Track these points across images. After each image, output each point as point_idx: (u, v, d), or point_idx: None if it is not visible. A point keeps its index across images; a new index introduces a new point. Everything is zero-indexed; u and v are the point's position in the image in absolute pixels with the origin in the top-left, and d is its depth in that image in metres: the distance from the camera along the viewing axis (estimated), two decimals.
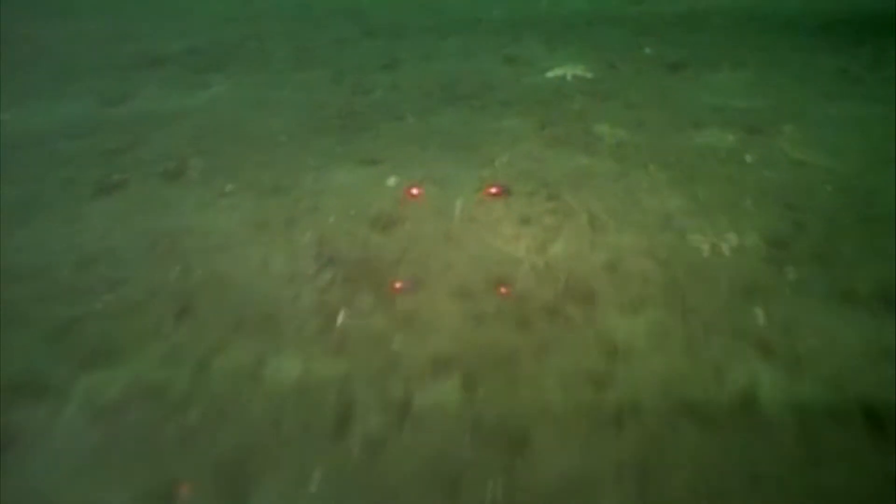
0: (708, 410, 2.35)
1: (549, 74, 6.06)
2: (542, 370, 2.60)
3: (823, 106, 5.01)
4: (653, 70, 6.07)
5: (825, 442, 2.19)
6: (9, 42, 7.63)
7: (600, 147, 4.53)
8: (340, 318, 2.98)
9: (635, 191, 3.92)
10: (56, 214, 3.88)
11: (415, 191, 4.29)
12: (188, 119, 5.28)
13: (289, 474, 2.18)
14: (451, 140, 4.74)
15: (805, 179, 3.89)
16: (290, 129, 5.06)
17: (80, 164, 4.51)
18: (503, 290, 3.09)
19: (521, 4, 8.87)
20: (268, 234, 3.65)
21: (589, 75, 5.98)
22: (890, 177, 3.89)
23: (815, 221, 3.43)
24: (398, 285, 3.16)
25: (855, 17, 7.38)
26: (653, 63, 6.26)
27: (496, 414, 2.40)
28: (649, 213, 3.67)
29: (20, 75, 6.50)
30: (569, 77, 5.95)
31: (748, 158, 4.22)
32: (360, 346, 2.78)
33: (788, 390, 2.42)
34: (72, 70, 6.57)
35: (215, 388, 2.57)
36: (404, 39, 7.58)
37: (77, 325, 2.92)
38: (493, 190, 3.99)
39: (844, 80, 5.54)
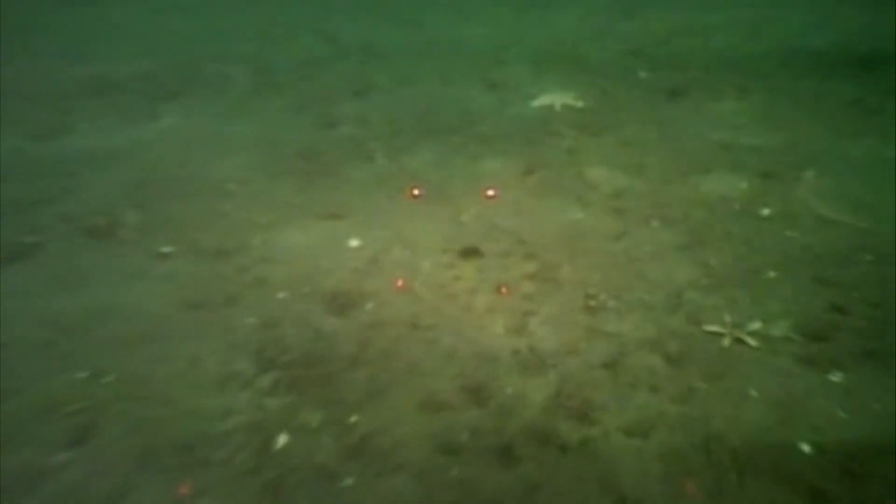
0: None
1: (536, 103, 5.49)
2: None
3: (843, 145, 4.47)
4: (649, 98, 5.52)
5: None
6: None
7: (595, 197, 3.96)
8: (280, 442, 2.39)
9: (637, 257, 3.36)
10: None
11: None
12: (129, 160, 4.67)
13: None
14: (424, 187, 4.14)
15: (837, 244, 3.33)
16: (242, 173, 4.45)
17: None
18: (481, 400, 2.51)
19: (504, 23, 8.30)
20: (203, 318, 3.05)
21: (579, 104, 5.42)
22: None
23: (859, 304, 2.87)
24: (352, 396, 2.57)
25: (863, 41, 6.86)
26: (649, 89, 5.71)
27: None
28: (655, 288, 3.10)
29: None
30: (557, 107, 5.38)
31: (765, 212, 3.66)
32: (300, 491, 2.19)
33: None
34: (3, 96, 5.91)
35: None
36: (378, 61, 6.98)
37: None
38: (471, 253, 3.41)
39: (861, 112, 5.00)
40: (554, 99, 5.49)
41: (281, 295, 3.19)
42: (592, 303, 3.02)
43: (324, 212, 3.95)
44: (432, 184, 4.17)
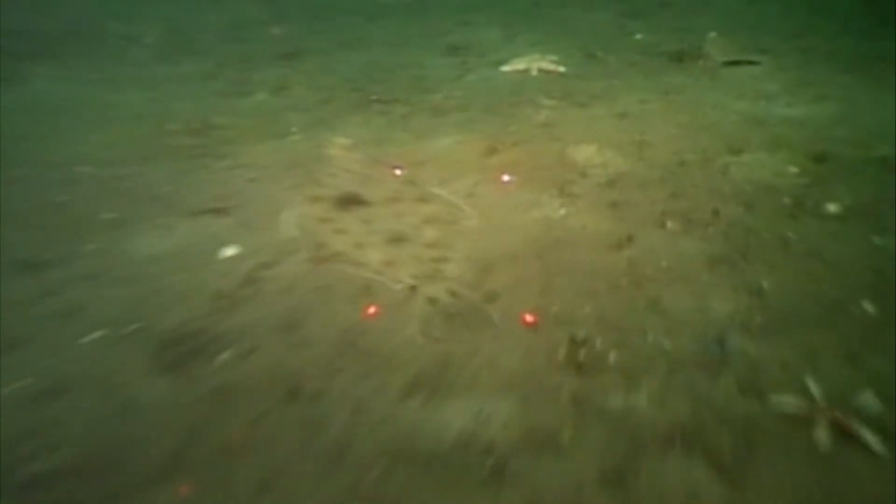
0: None
1: (506, 68, 4.32)
2: None
3: None
4: (649, 63, 4.38)
5: None
6: None
7: (582, 186, 2.81)
8: None
9: (648, 277, 2.21)
10: None
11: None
12: None
13: None
14: (347, 174, 2.97)
15: None
16: (104, 153, 3.26)
17: None
18: None
19: None
20: None
21: (561, 69, 4.26)
22: None
23: None
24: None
25: None
26: (648, 53, 4.57)
27: None
28: (679, 329, 1.96)
29: None
30: (533, 71, 4.22)
31: (832, 209, 2.53)
32: None
33: None
34: None
35: None
36: (320, 22, 5.79)
37: None
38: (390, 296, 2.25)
39: None
40: (530, 63, 4.32)
41: (90, 337, 2.01)
42: (581, 355, 1.86)
43: (200, 205, 2.77)
44: (356, 170, 2.98)
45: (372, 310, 2.11)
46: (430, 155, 3.13)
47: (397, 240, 2.44)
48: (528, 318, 2.04)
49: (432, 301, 2.13)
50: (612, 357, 1.87)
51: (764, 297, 2.06)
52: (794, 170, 2.81)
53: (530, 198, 2.73)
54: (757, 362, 1.81)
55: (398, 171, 2.96)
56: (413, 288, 2.18)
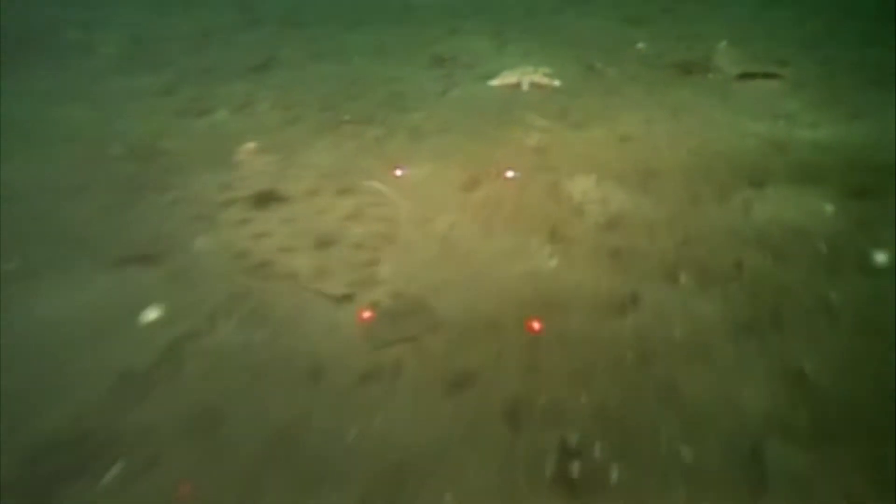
0: None
1: (495, 82, 3.89)
2: None
3: None
4: (653, 75, 3.94)
5: None
6: None
7: (577, 229, 2.38)
8: None
9: (657, 353, 1.78)
10: None
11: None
12: None
13: None
14: (302, 212, 2.54)
15: None
16: (24, 181, 2.83)
17: None
18: None
19: None
20: None
21: (556, 83, 3.83)
22: None
23: None
24: None
25: None
26: (651, 64, 4.14)
27: None
28: (703, 431, 1.52)
29: None
30: (525, 86, 3.79)
31: (882, 259, 2.10)
32: None
33: None
34: None
35: None
36: (295, 30, 5.36)
37: None
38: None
39: None
40: (521, 76, 3.89)
41: None
42: (575, 470, 1.43)
43: (127, 251, 2.34)
44: (310, 212, 2.55)
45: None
46: (403, 188, 2.70)
47: (356, 281, 2.03)
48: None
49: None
50: (615, 473, 1.44)
51: (808, 386, 1.63)
52: (828, 208, 2.38)
53: (516, 243, 2.30)
54: (810, 485, 1.38)
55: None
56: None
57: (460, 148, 3.06)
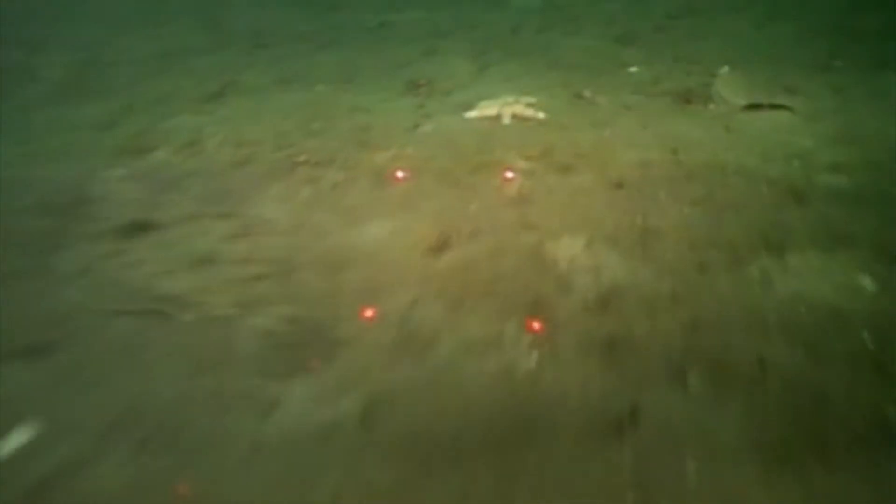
0: None
1: (472, 114, 3.49)
2: None
3: None
4: (648, 104, 3.56)
5: None
6: None
7: (564, 309, 1.97)
8: None
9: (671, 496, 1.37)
10: None
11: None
12: None
13: None
14: (224, 293, 2.13)
15: None
16: None
17: None
18: None
19: (450, 4, 6.30)
20: None
21: (540, 115, 3.44)
22: None
23: None
24: None
25: None
26: (646, 90, 3.75)
27: None
28: None
29: None
30: (506, 118, 3.40)
31: None
32: None
33: None
34: None
35: None
36: (264, 50, 4.96)
37: None
38: None
39: None
40: (502, 107, 3.50)
41: None
42: None
43: (16, 341, 1.92)
44: (245, 273, 2.14)
45: None
46: (358, 251, 2.29)
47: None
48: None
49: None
50: None
51: None
52: (867, 282, 1.98)
53: (489, 330, 1.89)
54: None
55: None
56: None
57: (430, 196, 2.66)
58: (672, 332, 1.85)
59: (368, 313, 1.99)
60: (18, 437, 1.59)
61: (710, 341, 1.81)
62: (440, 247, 2.30)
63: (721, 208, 2.45)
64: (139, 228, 2.50)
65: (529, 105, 3.54)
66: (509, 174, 2.80)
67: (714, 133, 3.13)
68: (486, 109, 3.52)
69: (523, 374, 1.73)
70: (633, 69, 4.18)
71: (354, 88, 4.05)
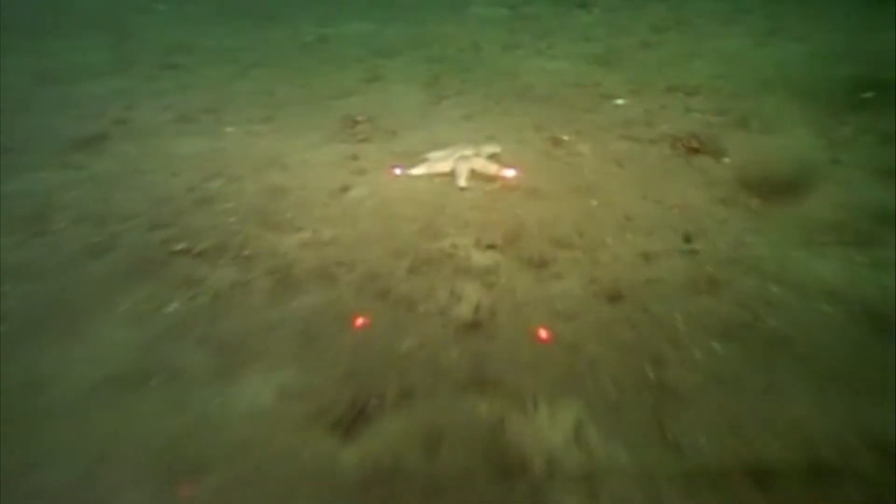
0: None
1: (419, 170, 2.68)
2: None
3: None
4: (643, 153, 2.78)
5: None
6: None
7: None
8: None
9: None
10: None
11: None
12: None
13: None
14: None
15: None
16: None
17: None
18: None
19: (404, 16, 5.50)
20: None
21: (508, 172, 2.64)
22: None
23: None
24: None
25: None
26: (638, 134, 2.98)
27: None
28: None
29: None
30: (462, 179, 2.59)
31: None
32: None
33: None
34: None
35: None
36: (176, 73, 4.10)
37: None
38: None
39: None
40: (458, 160, 2.69)
41: None
42: None
43: None
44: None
45: None
46: (222, 440, 1.46)
47: None
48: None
49: None
50: None
51: None
52: None
53: None
54: None
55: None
56: None
57: (344, 321, 1.83)
58: None
59: None
60: None
61: None
62: (351, 423, 1.48)
63: (764, 343, 1.67)
64: None
65: (492, 157, 2.75)
66: (460, 283, 1.99)
67: (737, 210, 2.35)
68: (438, 164, 2.71)
69: None
70: (619, 101, 3.41)
71: (273, 130, 3.22)
